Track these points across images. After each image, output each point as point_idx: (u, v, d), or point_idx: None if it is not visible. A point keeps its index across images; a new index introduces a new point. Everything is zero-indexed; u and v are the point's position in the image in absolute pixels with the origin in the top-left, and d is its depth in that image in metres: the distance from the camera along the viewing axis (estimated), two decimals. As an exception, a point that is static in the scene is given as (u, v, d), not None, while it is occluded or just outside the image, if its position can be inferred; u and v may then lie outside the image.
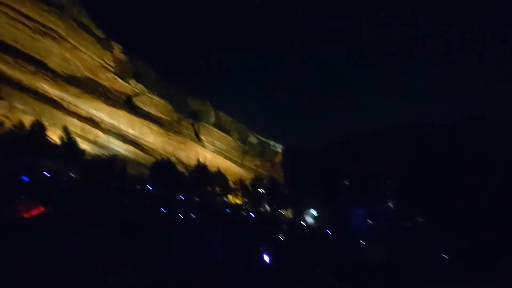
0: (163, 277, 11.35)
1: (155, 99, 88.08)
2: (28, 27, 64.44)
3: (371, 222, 53.16)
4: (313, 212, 72.83)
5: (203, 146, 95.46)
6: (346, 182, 66.46)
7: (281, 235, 30.30)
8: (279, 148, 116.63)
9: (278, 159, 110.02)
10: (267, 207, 68.56)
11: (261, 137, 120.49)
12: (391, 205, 58.15)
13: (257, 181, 74.93)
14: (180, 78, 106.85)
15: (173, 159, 75.05)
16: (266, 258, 16.04)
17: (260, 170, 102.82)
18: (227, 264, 14.72)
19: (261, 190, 71.90)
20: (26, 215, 12.77)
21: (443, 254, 25.42)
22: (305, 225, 62.46)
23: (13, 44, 62.49)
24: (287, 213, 72.21)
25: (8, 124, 49.89)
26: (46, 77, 65.07)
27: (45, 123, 52.33)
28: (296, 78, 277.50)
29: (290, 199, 69.48)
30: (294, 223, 58.01)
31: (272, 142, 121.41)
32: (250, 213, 52.33)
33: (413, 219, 48.48)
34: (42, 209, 14.05)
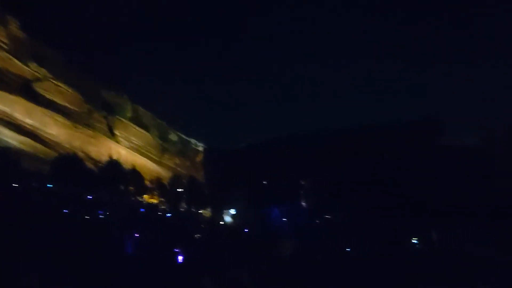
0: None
1: (62, 87, 78.23)
2: None
3: (285, 220, 56.37)
4: (232, 211, 73.81)
5: (117, 142, 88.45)
6: (264, 182, 69.33)
7: (198, 234, 30.07)
8: (200, 146, 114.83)
9: (199, 158, 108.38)
10: (186, 207, 66.98)
11: (182, 135, 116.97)
12: (304, 204, 62.63)
13: (176, 180, 72.73)
14: (94, 66, 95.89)
15: (80, 154, 67.71)
16: (180, 257, 16.09)
17: (179, 169, 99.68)
18: (140, 263, 14.00)
19: (180, 189, 69.98)
20: None
21: (348, 248, 28.17)
22: (223, 223, 62.88)
23: None
24: (207, 212, 71.65)
25: None
26: None
27: None
28: (220, 75, 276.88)
29: (210, 198, 69.14)
30: (213, 222, 57.96)
31: (193, 141, 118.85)
32: (168, 214, 50.49)
33: (322, 217, 52.91)
34: None
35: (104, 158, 70.11)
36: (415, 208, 40.15)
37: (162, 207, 62.52)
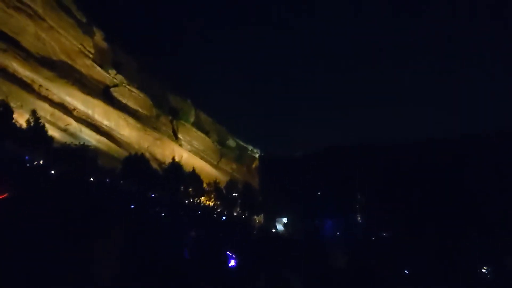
0: (130, 271, 10.67)
1: (134, 92, 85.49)
2: (2, 0, 60.64)
3: (338, 233, 54.14)
4: (284, 219, 72.99)
5: (180, 145, 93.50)
6: (319, 192, 67.48)
7: (250, 239, 30.13)
8: (257, 153, 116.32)
9: (255, 164, 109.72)
10: (240, 212, 68.01)
11: (239, 141, 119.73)
12: (359, 218, 59.50)
13: (232, 184, 74.35)
14: (163, 73, 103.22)
15: (147, 155, 72.91)
16: (233, 262, 16.10)
17: (235, 174, 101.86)
18: (195, 264, 14.31)
19: (235, 194, 71.35)
20: None
21: (406, 270, 25.81)
22: (275, 231, 62.46)
23: (-17, 18, 58.71)
24: (259, 218, 71.91)
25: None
26: (18, 56, 61.35)
27: (12, 104, 49.24)
28: (280, 84, 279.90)
29: (263, 205, 69.35)
30: (265, 228, 57.91)
31: (250, 147, 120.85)
32: (223, 217, 51.63)
33: (378, 234, 49.70)
34: (5, 195, 12.87)
35: (167, 159, 74.43)
36: (487, 230, 35.63)
37: (218, 210, 64.26)
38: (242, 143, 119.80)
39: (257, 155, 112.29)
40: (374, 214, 52.27)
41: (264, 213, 71.12)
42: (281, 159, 77.77)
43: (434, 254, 29.98)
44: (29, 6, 64.24)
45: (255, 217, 70.55)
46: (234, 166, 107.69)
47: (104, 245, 12.97)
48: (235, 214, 66.37)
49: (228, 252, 17.56)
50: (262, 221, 71.24)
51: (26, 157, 41.39)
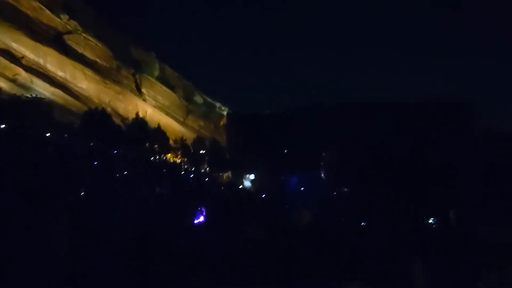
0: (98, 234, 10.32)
1: (91, 41, 78.59)
2: None
3: (303, 189, 56.70)
4: (252, 176, 74.79)
5: (144, 100, 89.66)
6: (285, 150, 69.19)
7: (219, 195, 30.57)
8: (225, 111, 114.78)
9: (223, 122, 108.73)
10: (207, 169, 68.34)
11: (207, 98, 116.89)
12: (322, 175, 62.42)
13: (199, 141, 73.83)
14: (124, 22, 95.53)
15: (109, 109, 69.22)
16: (202, 218, 16.30)
17: (203, 131, 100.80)
18: (162, 221, 14.26)
19: (203, 151, 71.16)
20: None
21: (363, 223, 27.74)
22: (242, 187, 64.04)
23: None
24: (227, 175, 73.00)
25: None
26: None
27: None
28: (250, 37, 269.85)
29: (231, 162, 70.10)
30: (233, 185, 59.02)
31: (218, 104, 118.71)
32: (190, 174, 51.57)
33: (339, 189, 52.64)
34: None
35: (131, 115, 71.47)
36: (438, 189, 38.92)
37: (185, 167, 64.06)
38: (210, 100, 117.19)
39: (225, 113, 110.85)
40: (336, 171, 54.88)
41: (232, 170, 72.19)
42: (249, 116, 77.51)
43: (388, 208, 32.33)
44: None
45: (223, 174, 71.45)
46: (201, 123, 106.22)
47: (65, 206, 12.33)
48: (202, 171, 66.62)
49: (196, 208, 17.68)
50: (229, 178, 72.47)
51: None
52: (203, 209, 16.53)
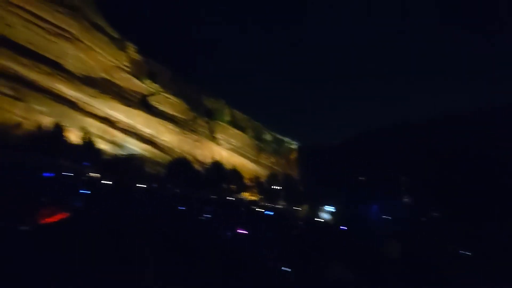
0: (181, 273, 11.22)
1: (171, 98, 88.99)
2: (42, 28, 65.74)
3: (386, 218, 52.44)
4: (329, 208, 72.11)
5: (219, 144, 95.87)
6: (362, 178, 65.69)
7: (297, 230, 29.90)
8: (294, 144, 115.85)
9: (293, 155, 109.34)
10: (283, 204, 68.30)
11: (276, 134, 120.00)
12: (406, 200, 57.11)
13: (273, 177, 74.89)
14: (195, 78, 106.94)
15: (189, 157, 75.71)
16: (279, 253, 15.87)
17: (275, 167, 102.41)
18: (245, 259, 14.62)
19: (277, 187, 71.80)
20: (50, 220, 12.87)
21: (463, 250, 24.48)
22: (321, 221, 61.86)
23: (28, 46, 63.65)
24: (303, 209, 71.70)
25: (26, 125, 51.34)
26: (62, 78, 66.50)
27: (63, 123, 53.59)
28: (308, 72, 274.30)
29: (306, 195, 69.07)
30: (310, 219, 57.53)
31: (287, 139, 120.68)
32: (266, 211, 52.13)
33: (428, 214, 47.39)
34: (66, 214, 14.06)
35: (208, 160, 76.76)
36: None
37: (261, 204, 65.19)
38: (278, 136, 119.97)
39: (294, 146, 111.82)
40: (420, 195, 49.88)
41: (308, 204, 70.94)
42: (319, 148, 76.58)
43: (485, 234, 28.10)
44: (67, 31, 69.17)
45: (299, 208, 70.56)
46: (273, 159, 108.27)
47: (157, 247, 13.78)
48: (278, 206, 66.85)
49: (275, 245, 17.42)
50: (306, 212, 71.06)
51: (80, 172, 44.80)
52: (280, 245, 16.35)
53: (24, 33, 63.41)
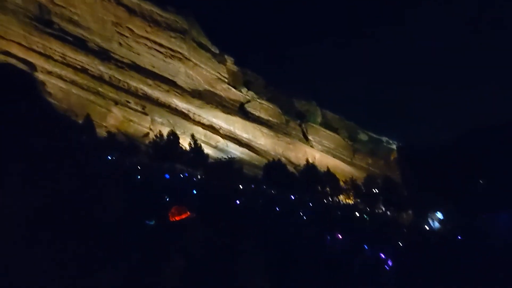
0: (281, 273, 11.72)
1: (265, 104, 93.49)
2: (161, 52, 77.74)
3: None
4: (439, 215, 65.06)
5: (311, 146, 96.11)
6: (480, 181, 57.21)
7: (400, 239, 28.00)
8: (393, 144, 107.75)
9: (393, 156, 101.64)
10: (383, 209, 64.53)
11: (372, 134, 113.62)
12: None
13: (371, 180, 71.20)
14: (286, 82, 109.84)
15: (283, 159, 78.17)
16: (388, 264, 14.95)
17: (372, 169, 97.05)
18: (343, 268, 14.37)
19: (375, 190, 68.09)
20: (177, 218, 15.18)
21: None
22: (429, 229, 56.46)
23: (151, 68, 76.59)
24: (407, 215, 66.38)
25: (151, 135, 61.27)
26: (176, 93, 77.29)
27: (178, 132, 61.97)
28: (406, 66, 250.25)
29: (410, 200, 63.60)
30: (417, 226, 52.99)
31: (385, 139, 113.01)
32: (364, 215, 50.35)
33: None
34: (189, 213, 16.00)
35: (301, 162, 77.83)
36: None
37: (359, 207, 62.91)
38: (375, 136, 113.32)
39: (394, 147, 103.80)
40: None
41: (413, 209, 65.16)
42: (424, 147, 69.51)
43: None
44: (179, 52, 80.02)
45: (402, 213, 65.49)
46: (369, 160, 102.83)
47: (254, 246, 14.88)
48: (377, 211, 63.45)
49: (381, 254, 16.09)
50: (410, 218, 65.47)
51: (186, 174, 51.03)
52: (385, 256, 15.26)
53: (148, 58, 76.14)
